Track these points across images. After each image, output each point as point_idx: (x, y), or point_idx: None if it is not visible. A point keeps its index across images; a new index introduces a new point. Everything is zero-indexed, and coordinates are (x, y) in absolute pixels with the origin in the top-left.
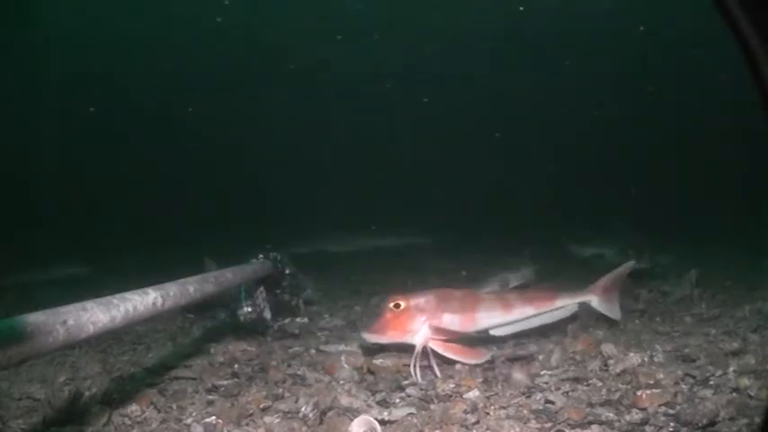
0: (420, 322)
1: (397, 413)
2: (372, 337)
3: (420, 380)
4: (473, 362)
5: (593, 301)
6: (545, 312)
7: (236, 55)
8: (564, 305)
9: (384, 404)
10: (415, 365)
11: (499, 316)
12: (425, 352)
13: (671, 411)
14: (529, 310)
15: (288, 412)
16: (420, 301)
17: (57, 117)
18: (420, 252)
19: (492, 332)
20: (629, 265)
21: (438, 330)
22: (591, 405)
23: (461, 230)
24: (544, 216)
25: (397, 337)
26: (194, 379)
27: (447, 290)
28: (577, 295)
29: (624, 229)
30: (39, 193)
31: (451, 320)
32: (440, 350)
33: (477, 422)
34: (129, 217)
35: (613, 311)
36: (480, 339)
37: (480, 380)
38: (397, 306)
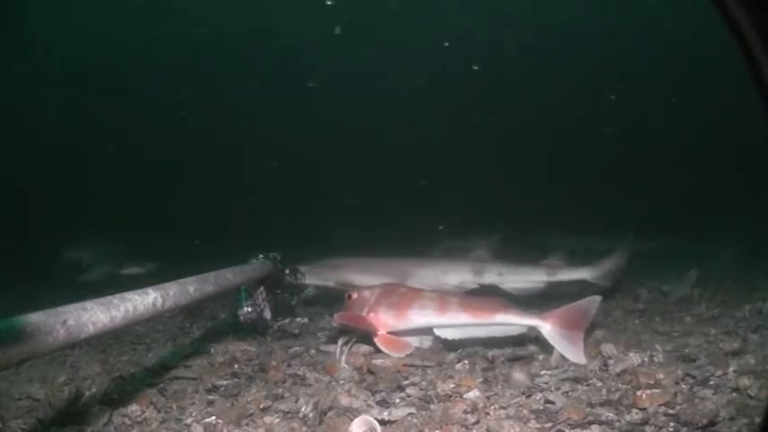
0: (363, 312)
1: (397, 413)
2: (336, 321)
3: (339, 356)
4: (395, 354)
5: (545, 329)
6: (483, 324)
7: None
8: (506, 322)
9: (384, 404)
10: (341, 346)
11: (433, 316)
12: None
13: (671, 411)
14: (463, 316)
15: (288, 412)
16: (365, 293)
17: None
18: None
19: (435, 333)
20: (596, 299)
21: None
22: (591, 405)
23: None
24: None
25: (348, 322)
26: (194, 379)
27: (394, 285)
28: (526, 317)
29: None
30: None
31: (386, 313)
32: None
33: (477, 422)
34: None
35: (572, 352)
36: (480, 341)
37: (480, 380)
38: (350, 297)
